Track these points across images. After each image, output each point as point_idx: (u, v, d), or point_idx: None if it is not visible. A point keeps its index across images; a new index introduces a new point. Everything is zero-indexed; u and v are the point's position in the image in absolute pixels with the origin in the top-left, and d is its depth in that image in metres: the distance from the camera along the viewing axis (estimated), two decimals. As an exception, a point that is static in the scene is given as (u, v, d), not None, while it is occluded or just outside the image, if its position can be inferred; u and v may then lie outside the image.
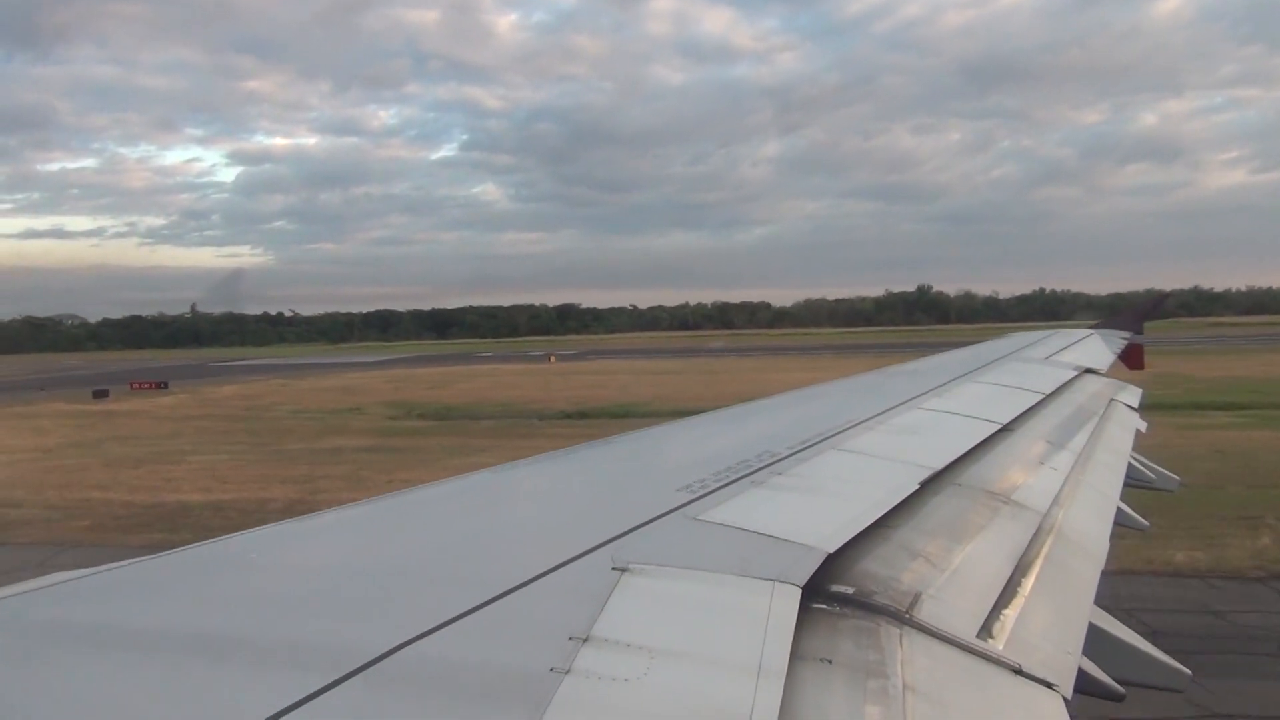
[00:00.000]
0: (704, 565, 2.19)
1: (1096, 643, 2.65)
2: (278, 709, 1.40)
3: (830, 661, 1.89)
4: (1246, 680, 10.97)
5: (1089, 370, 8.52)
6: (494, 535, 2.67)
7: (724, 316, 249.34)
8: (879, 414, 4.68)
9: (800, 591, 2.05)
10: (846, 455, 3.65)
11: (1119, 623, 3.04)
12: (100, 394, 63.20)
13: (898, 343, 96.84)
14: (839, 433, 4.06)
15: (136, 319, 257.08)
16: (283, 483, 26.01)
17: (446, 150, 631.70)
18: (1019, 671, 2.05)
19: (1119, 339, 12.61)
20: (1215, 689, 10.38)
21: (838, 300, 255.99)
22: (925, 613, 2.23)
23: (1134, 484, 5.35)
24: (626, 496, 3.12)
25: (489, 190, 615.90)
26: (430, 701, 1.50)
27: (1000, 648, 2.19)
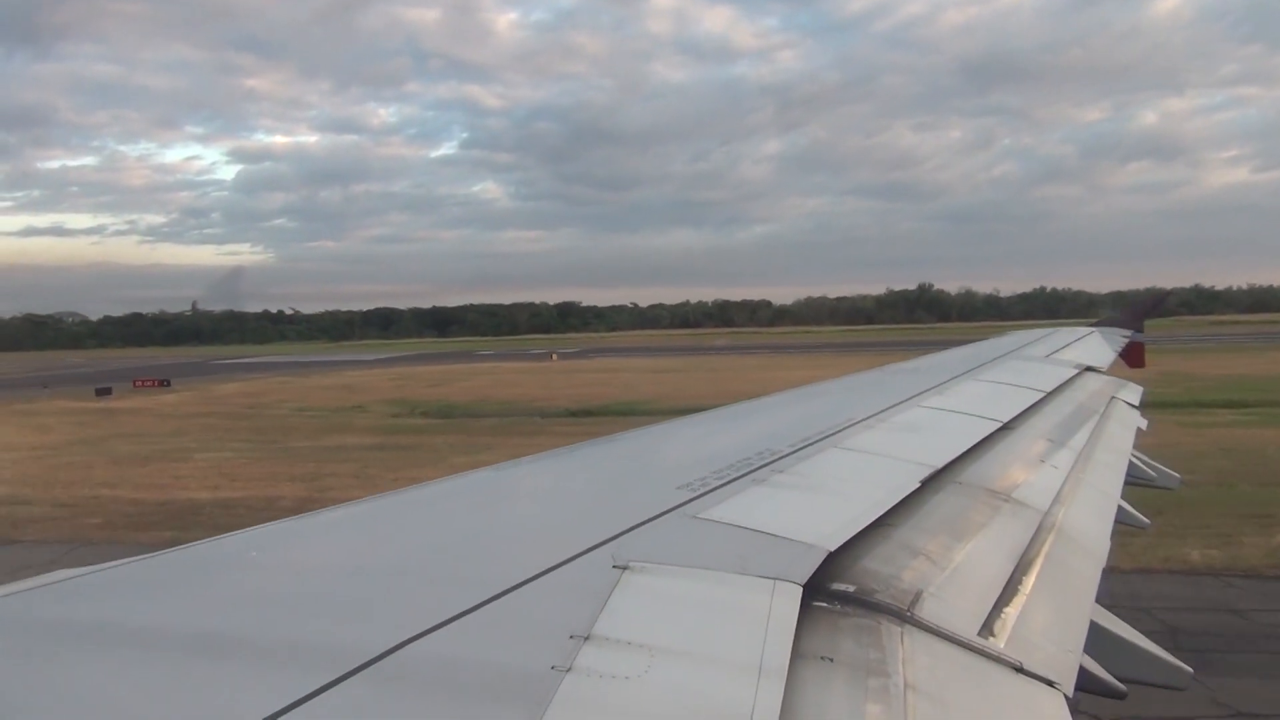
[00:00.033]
0: (705, 563, 2.18)
1: (1098, 641, 2.65)
2: (279, 707, 1.40)
3: (831, 660, 1.89)
4: (1272, 680, 10.91)
5: (1090, 368, 8.51)
6: (494, 533, 2.67)
7: (725, 315, 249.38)
8: (880, 412, 4.68)
9: (801, 590, 2.04)
10: (847, 453, 3.65)
11: (1120, 621, 3.03)
12: (103, 392, 63.21)
13: (898, 341, 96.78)
14: (840, 431, 4.06)
15: (137, 317, 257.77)
16: (290, 480, 25.99)
17: (446, 148, 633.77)
18: (1020, 669, 2.05)
19: (1120, 337, 12.60)
20: (1241, 688, 10.35)
21: (838, 298, 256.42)
22: (926, 611, 2.23)
23: (1135, 482, 5.34)
24: (627, 495, 3.11)
25: (489, 188, 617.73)
26: (431, 700, 1.50)
27: (1001, 646, 2.19)
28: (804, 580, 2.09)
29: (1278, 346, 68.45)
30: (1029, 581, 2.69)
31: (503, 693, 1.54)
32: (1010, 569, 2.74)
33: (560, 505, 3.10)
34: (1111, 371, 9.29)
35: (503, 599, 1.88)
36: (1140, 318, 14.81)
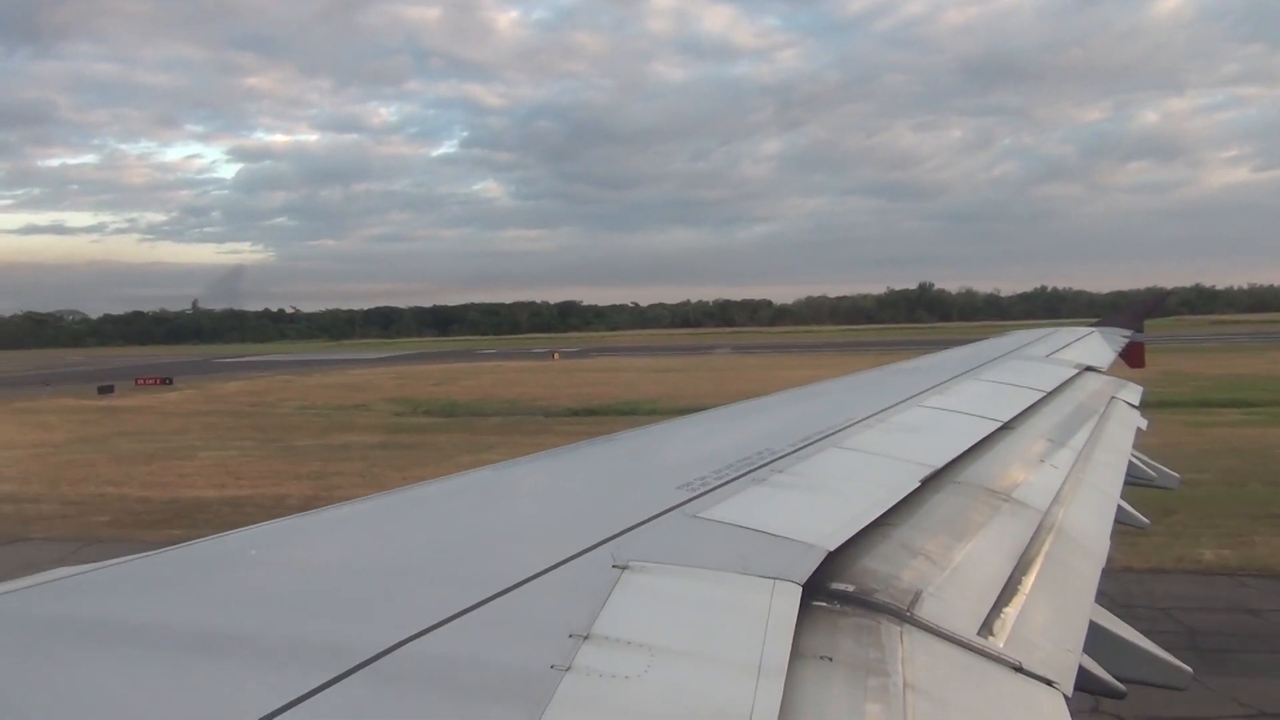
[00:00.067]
0: (704, 563, 2.19)
1: (1097, 640, 2.65)
2: (278, 705, 1.41)
3: (831, 659, 1.89)
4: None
5: (1090, 368, 8.51)
6: (494, 532, 2.67)
7: (725, 314, 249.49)
8: (880, 412, 4.68)
9: (801, 589, 2.05)
10: (847, 453, 3.65)
11: (1119, 620, 3.04)
12: (105, 390, 63.17)
13: (899, 340, 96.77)
14: (840, 430, 4.06)
15: (138, 315, 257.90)
16: (297, 479, 25.96)
17: (447, 147, 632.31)
18: (1019, 669, 2.05)
19: (1120, 337, 12.60)
20: (1262, 688, 10.33)
21: (839, 298, 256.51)
22: (926, 610, 2.23)
23: (1135, 482, 5.34)
24: (627, 494, 3.12)
25: (490, 187, 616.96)
26: (431, 698, 1.51)
27: (1001, 645, 2.19)
28: (804, 580, 2.10)
29: (1279, 346, 68.39)
30: (1028, 581, 2.70)
31: (502, 692, 1.54)
32: (1010, 569, 2.74)
33: (560, 504, 3.10)
34: (1112, 371, 9.29)
35: (502, 598, 1.89)
36: (1140, 317, 14.80)
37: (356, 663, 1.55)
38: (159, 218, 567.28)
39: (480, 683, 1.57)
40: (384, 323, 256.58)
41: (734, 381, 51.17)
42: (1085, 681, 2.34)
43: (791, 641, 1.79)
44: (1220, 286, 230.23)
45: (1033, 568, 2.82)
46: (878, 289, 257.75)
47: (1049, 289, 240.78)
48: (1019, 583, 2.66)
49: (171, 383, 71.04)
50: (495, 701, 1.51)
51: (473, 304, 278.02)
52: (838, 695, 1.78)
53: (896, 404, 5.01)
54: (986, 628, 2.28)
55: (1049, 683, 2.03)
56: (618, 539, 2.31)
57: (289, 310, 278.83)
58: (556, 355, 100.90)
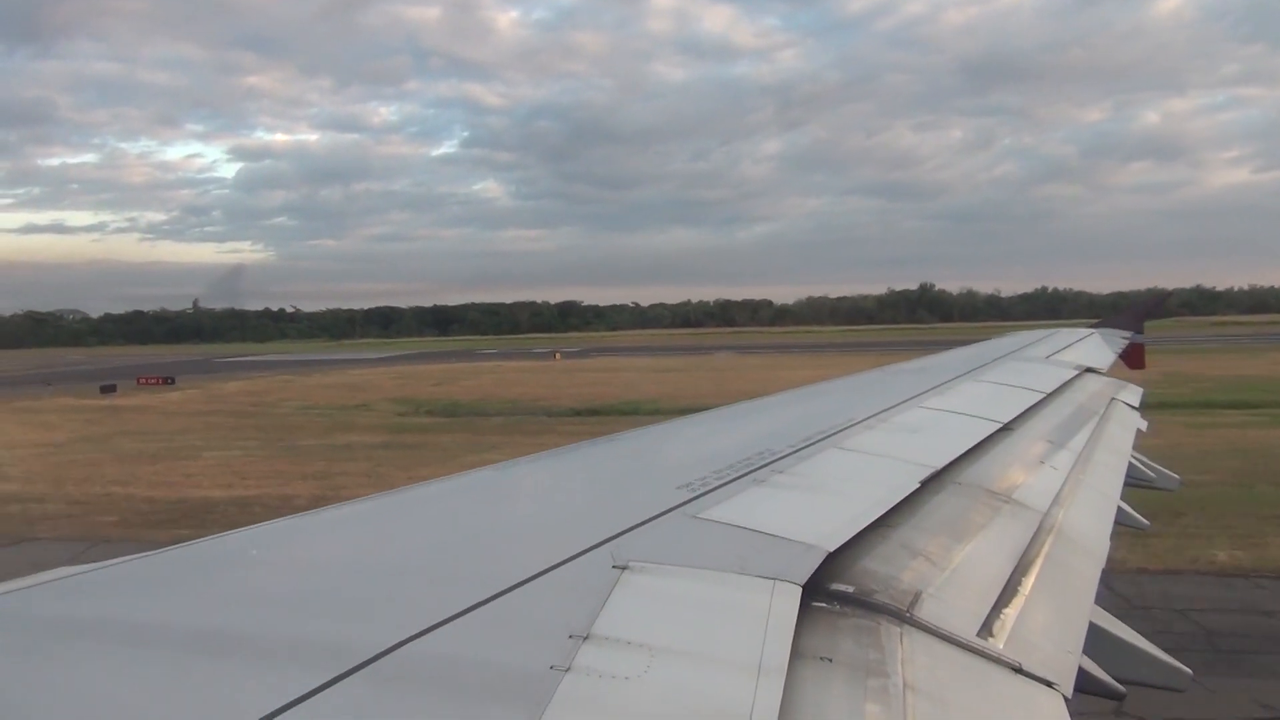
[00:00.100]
0: (704, 563, 2.19)
1: (1097, 642, 2.65)
2: (278, 705, 1.41)
3: (830, 660, 1.90)
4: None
5: (1090, 369, 8.51)
6: (494, 533, 2.67)
7: (726, 314, 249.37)
8: (880, 412, 4.68)
9: (800, 590, 2.05)
10: (847, 454, 3.65)
11: (1119, 622, 3.04)
12: (107, 389, 63.15)
13: (899, 341, 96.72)
14: (840, 431, 4.06)
15: (139, 314, 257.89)
16: (303, 479, 25.92)
17: (447, 147, 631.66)
18: (1019, 670, 2.06)
19: (1120, 338, 12.59)
20: None
21: (840, 298, 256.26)
22: (926, 611, 2.23)
23: (1134, 483, 5.34)
24: (627, 494, 3.12)
25: (490, 187, 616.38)
26: (430, 698, 1.51)
27: (1001, 647, 2.19)
28: (803, 580, 2.10)
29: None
30: (1028, 582, 2.70)
31: (502, 692, 1.54)
32: (1010, 570, 2.74)
33: (560, 505, 3.11)
34: (1112, 373, 9.28)
35: (502, 598, 1.89)
36: (1141, 318, 14.78)
37: (357, 663, 1.55)
38: (159, 217, 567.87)
39: (480, 683, 1.57)
40: (384, 322, 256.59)
41: (734, 382, 51.16)
42: (1085, 683, 2.34)
43: (791, 642, 1.79)
44: (1221, 288, 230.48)
45: (1032, 569, 2.82)
46: (878, 289, 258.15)
47: (1050, 289, 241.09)
48: (1019, 584, 2.66)
49: (173, 382, 71.03)
50: (495, 701, 1.51)
51: (473, 304, 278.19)
52: (837, 696, 1.79)
53: (896, 405, 5.01)
54: (986, 629, 2.28)
55: (1049, 684, 2.03)
56: (618, 539, 2.31)
57: (289, 310, 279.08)
58: (558, 355, 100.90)
